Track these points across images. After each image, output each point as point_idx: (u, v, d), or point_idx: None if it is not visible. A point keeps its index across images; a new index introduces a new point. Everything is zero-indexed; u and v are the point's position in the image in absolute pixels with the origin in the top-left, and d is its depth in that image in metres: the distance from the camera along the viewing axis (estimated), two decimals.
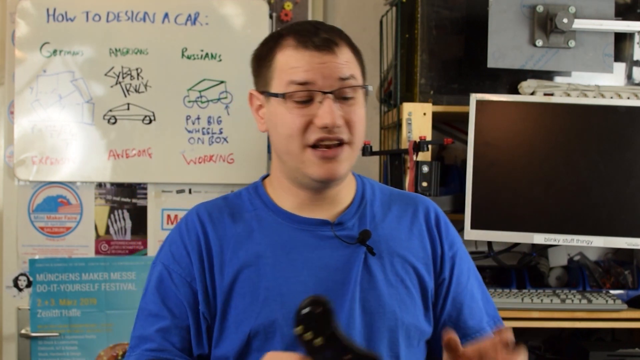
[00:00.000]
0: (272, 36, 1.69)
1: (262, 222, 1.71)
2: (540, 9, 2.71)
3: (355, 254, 1.66)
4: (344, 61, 1.61)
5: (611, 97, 2.73)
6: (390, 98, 3.00)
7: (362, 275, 1.65)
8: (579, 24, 2.70)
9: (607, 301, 2.63)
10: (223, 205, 1.76)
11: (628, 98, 2.73)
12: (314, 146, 1.61)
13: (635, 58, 2.89)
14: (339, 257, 1.66)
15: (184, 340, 1.68)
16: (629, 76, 2.89)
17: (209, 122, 3.09)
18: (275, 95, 1.62)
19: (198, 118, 3.09)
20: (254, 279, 1.66)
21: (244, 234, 1.70)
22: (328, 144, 1.61)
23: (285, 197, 1.72)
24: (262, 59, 1.67)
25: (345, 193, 1.73)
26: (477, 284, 1.79)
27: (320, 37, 1.61)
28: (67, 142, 3.05)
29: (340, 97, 1.61)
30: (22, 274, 3.07)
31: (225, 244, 1.69)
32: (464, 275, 1.75)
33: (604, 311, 2.63)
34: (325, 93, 1.59)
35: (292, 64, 1.61)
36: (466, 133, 2.74)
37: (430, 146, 2.72)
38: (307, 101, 1.60)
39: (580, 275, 2.90)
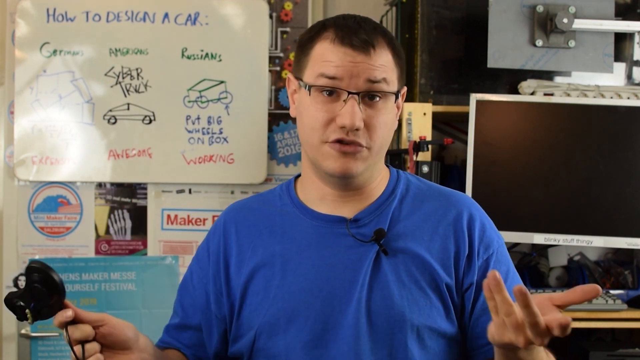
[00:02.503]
0: (317, 25, 1.68)
1: (285, 219, 1.72)
2: (540, 9, 2.71)
3: (367, 253, 1.64)
4: (378, 64, 1.59)
5: (611, 97, 2.73)
6: None
7: (371, 275, 1.63)
8: (579, 24, 2.70)
9: (607, 301, 2.63)
10: (254, 203, 1.81)
11: (628, 98, 2.73)
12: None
13: (635, 58, 2.88)
14: (351, 256, 1.65)
15: (193, 338, 1.78)
16: (629, 76, 2.89)
17: (209, 122, 3.10)
18: (305, 85, 1.63)
19: (198, 118, 3.09)
20: (268, 277, 1.67)
21: (266, 231, 1.72)
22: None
23: (311, 192, 1.72)
24: (302, 45, 1.67)
25: (373, 190, 1.71)
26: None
27: (360, 36, 1.59)
28: (67, 142, 3.05)
29: (367, 99, 1.60)
30: (22, 274, 3.07)
31: (247, 244, 1.72)
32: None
33: (604, 311, 2.63)
34: (350, 93, 1.58)
35: (326, 57, 1.60)
36: (466, 133, 2.74)
37: (430, 146, 2.71)
38: (333, 97, 1.59)
39: (580, 275, 2.90)
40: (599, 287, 1.32)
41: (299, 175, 1.79)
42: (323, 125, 1.60)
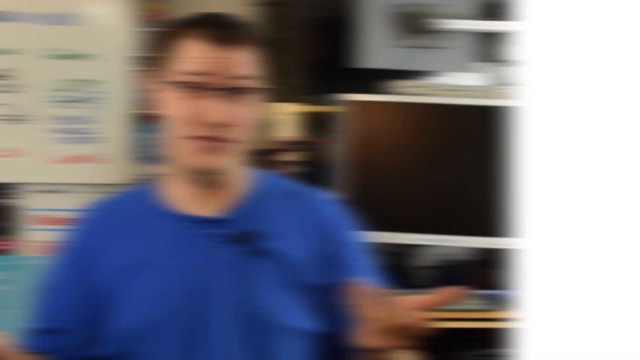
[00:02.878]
0: (179, 21, 1.65)
1: (146, 220, 1.68)
2: (407, 9, 2.74)
3: (233, 254, 1.62)
4: (242, 60, 1.58)
5: (478, 97, 2.77)
6: None
7: (238, 277, 1.61)
8: (446, 24, 2.73)
9: (473, 301, 2.67)
10: (113, 204, 1.77)
11: (495, 98, 2.77)
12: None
13: (501, 58, 2.94)
14: (216, 257, 1.62)
15: (61, 342, 1.70)
16: (496, 76, 2.95)
17: (77, 121, 3.03)
18: (169, 81, 1.59)
19: (67, 118, 3.02)
20: (131, 280, 1.63)
21: (126, 233, 1.67)
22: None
23: (173, 191, 1.68)
24: (164, 42, 1.64)
25: (237, 188, 1.69)
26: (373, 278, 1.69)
27: (224, 32, 1.58)
28: None
29: (232, 95, 1.57)
30: None
31: (107, 246, 1.67)
32: (354, 271, 1.66)
33: (469, 311, 2.66)
34: (215, 89, 1.56)
35: (190, 53, 1.58)
36: (336, 133, 2.75)
37: (299, 147, 2.73)
38: (197, 94, 1.57)
39: (449, 276, 2.93)
40: (462, 290, 1.35)
41: (159, 175, 1.75)
42: (187, 122, 1.58)
